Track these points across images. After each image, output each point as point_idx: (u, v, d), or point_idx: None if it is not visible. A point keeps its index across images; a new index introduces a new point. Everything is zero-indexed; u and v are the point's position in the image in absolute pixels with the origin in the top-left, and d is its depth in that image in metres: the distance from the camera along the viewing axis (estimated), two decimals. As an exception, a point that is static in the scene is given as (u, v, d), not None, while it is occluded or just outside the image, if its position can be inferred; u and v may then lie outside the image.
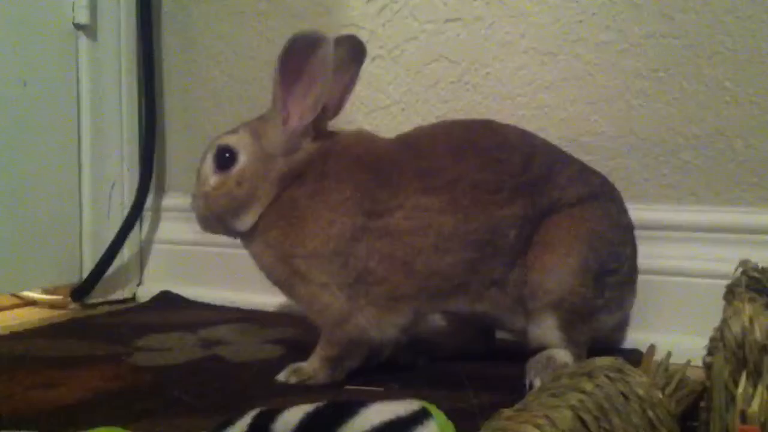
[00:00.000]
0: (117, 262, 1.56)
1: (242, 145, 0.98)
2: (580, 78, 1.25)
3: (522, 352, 1.01)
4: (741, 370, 0.61)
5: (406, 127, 1.10)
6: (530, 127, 1.11)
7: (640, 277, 1.09)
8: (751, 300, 0.65)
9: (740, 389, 0.59)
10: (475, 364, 1.06)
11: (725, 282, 0.77)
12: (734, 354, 0.61)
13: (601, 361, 0.69)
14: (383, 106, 1.42)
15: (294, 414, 0.62)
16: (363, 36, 1.20)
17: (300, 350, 1.03)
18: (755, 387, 0.59)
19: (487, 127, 1.05)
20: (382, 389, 0.94)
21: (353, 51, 1.03)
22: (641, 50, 1.20)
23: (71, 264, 1.51)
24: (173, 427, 0.79)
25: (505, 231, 0.98)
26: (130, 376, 1.00)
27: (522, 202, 0.98)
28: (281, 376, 0.97)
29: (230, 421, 0.63)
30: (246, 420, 0.63)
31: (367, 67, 1.10)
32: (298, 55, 0.92)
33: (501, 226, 0.98)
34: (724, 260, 1.06)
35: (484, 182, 0.98)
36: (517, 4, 1.29)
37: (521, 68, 1.30)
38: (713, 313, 0.72)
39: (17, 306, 1.57)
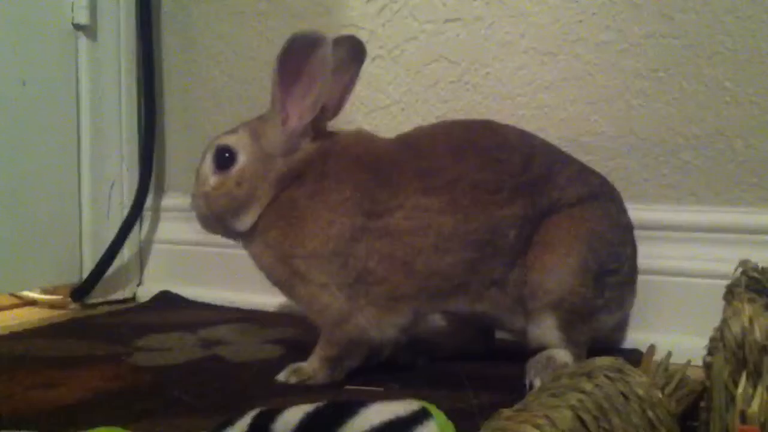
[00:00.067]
0: (117, 262, 1.56)
1: (241, 145, 0.98)
2: (580, 78, 1.25)
3: (522, 352, 1.01)
4: (741, 370, 0.61)
5: (406, 127, 1.10)
6: (530, 127, 1.11)
7: (640, 278, 1.09)
8: (751, 300, 0.65)
9: (740, 389, 0.59)
10: (475, 364, 1.06)
11: (725, 282, 0.77)
12: (734, 354, 0.61)
13: (600, 361, 0.69)
14: (383, 106, 1.42)
15: (294, 414, 0.62)
16: (363, 36, 1.21)
17: (300, 350, 1.03)
18: (755, 387, 0.59)
19: (486, 127, 1.06)
20: (381, 389, 0.94)
21: (353, 51, 1.03)
22: (641, 50, 1.20)
23: (71, 264, 1.51)
24: (173, 427, 0.79)
25: (505, 231, 0.98)
26: (130, 376, 1.00)
27: (522, 202, 0.98)
28: (281, 376, 0.97)
29: (230, 421, 0.63)
30: (246, 420, 0.63)
31: (367, 67, 1.09)
32: (297, 55, 0.92)
33: (501, 226, 0.98)
34: (724, 260, 1.06)
35: (484, 182, 0.98)
36: (517, 4, 1.29)
37: (521, 68, 1.30)
38: (713, 314, 0.72)
39: (17, 306, 1.57)
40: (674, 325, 1.15)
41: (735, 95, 1.15)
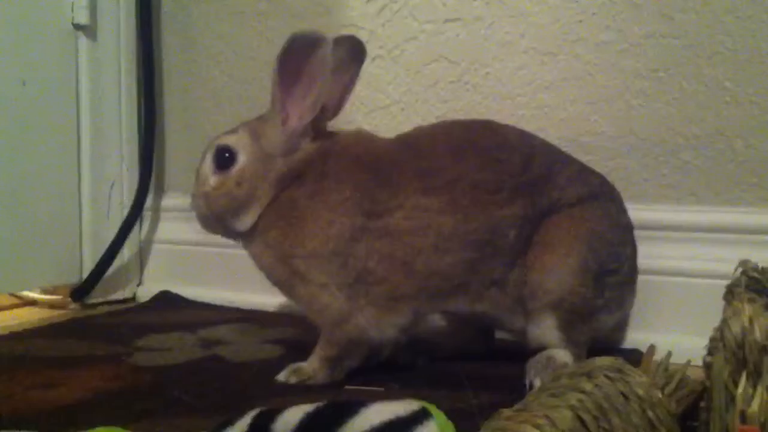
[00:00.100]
0: (117, 262, 1.56)
1: (241, 145, 0.98)
2: (580, 78, 1.25)
3: (522, 352, 1.01)
4: (741, 370, 0.61)
5: (406, 127, 1.09)
6: (530, 127, 1.11)
7: (640, 278, 1.09)
8: (751, 300, 0.65)
9: (740, 389, 0.59)
10: (475, 364, 1.06)
11: (725, 282, 0.77)
12: (734, 354, 0.61)
13: (600, 361, 0.69)
14: (383, 106, 1.42)
15: (294, 414, 0.62)
16: (363, 36, 1.21)
17: (300, 350, 1.03)
18: (755, 387, 0.59)
19: (486, 127, 1.06)
20: (381, 389, 0.94)
21: (353, 51, 1.03)
22: (641, 50, 1.20)
23: (71, 264, 1.51)
24: (173, 427, 0.79)
25: (504, 231, 0.98)
26: (130, 376, 1.00)
27: (522, 202, 0.98)
28: (281, 376, 0.97)
29: (230, 421, 0.63)
30: (246, 420, 0.63)
31: (367, 67, 1.09)
32: (297, 55, 0.92)
33: (501, 226, 0.98)
34: (724, 260, 1.06)
35: (484, 182, 0.98)
36: (517, 4, 1.29)
37: (521, 68, 1.30)
38: (713, 314, 0.72)
39: (17, 306, 1.57)
40: (674, 325, 1.15)
41: (735, 95, 1.15)
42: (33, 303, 1.59)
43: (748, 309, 0.63)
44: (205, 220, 1.02)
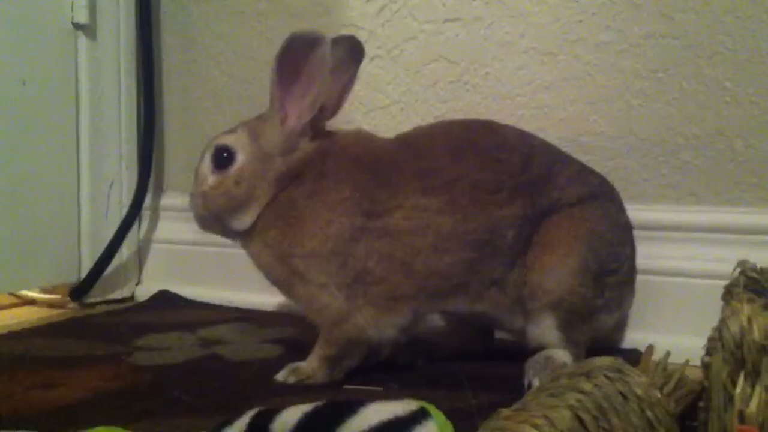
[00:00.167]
0: (116, 262, 1.56)
1: (240, 145, 0.98)
2: (580, 78, 1.25)
3: (521, 352, 1.01)
4: (739, 370, 0.61)
5: (405, 127, 1.10)
6: (530, 127, 1.11)
7: (640, 278, 1.09)
8: (750, 300, 0.65)
9: (738, 389, 0.59)
10: (474, 364, 1.06)
11: (724, 282, 0.77)
12: (732, 354, 0.61)
13: (600, 361, 0.69)
14: (382, 105, 1.42)
15: (292, 414, 0.62)
16: (362, 36, 1.21)
17: (299, 350, 1.03)
18: (753, 387, 0.59)
19: (486, 127, 1.06)
20: (380, 389, 0.94)
21: (352, 51, 1.03)
22: (641, 50, 1.20)
23: (70, 263, 1.51)
24: (173, 427, 0.79)
25: (504, 231, 0.98)
26: (130, 375, 1.00)
27: (521, 202, 0.98)
28: (280, 376, 0.97)
29: (229, 421, 0.64)
30: (245, 420, 0.63)
31: (366, 67, 1.10)
32: (296, 55, 0.92)
33: (500, 226, 0.97)
34: (724, 261, 1.06)
35: (484, 182, 0.98)
36: (516, 4, 1.29)
37: (521, 68, 1.30)
38: (712, 314, 0.72)
39: (16, 305, 1.57)
40: (673, 325, 1.15)
41: (735, 95, 1.15)
42: (32, 302, 1.58)
43: (746, 309, 0.63)
44: (202, 220, 1.02)
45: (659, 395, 0.65)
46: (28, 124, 1.40)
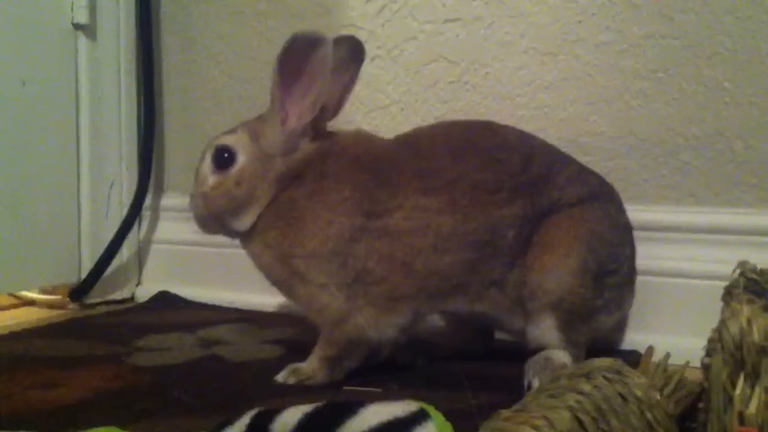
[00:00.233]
0: (116, 262, 1.56)
1: (241, 145, 0.98)
2: (580, 78, 1.25)
3: (521, 352, 1.01)
4: (739, 371, 0.61)
5: (406, 128, 1.10)
6: (529, 127, 1.11)
7: (639, 279, 1.09)
8: (749, 301, 0.65)
9: (738, 390, 0.59)
10: (474, 364, 1.06)
11: (724, 283, 0.77)
12: (732, 355, 0.61)
13: (599, 362, 0.69)
14: (382, 106, 1.42)
15: (292, 414, 0.62)
16: (362, 36, 1.21)
17: (299, 350, 1.03)
18: (753, 388, 0.59)
19: (486, 127, 1.06)
20: (380, 390, 0.94)
21: (352, 51, 1.03)
22: (640, 51, 1.20)
23: (70, 264, 1.51)
24: (173, 427, 0.79)
25: (504, 231, 0.98)
26: (130, 376, 1.00)
27: (521, 202, 0.98)
28: (280, 377, 0.97)
29: (229, 421, 0.64)
30: (245, 420, 0.63)
31: (367, 67, 1.09)
32: (297, 55, 0.92)
33: (500, 226, 0.98)
34: (723, 261, 1.06)
35: (484, 182, 0.98)
36: (516, 4, 1.29)
37: (521, 68, 1.30)
38: (712, 315, 0.72)
39: (15, 306, 1.57)
40: (673, 327, 1.15)
41: (734, 96, 1.15)
42: (32, 303, 1.58)
43: (746, 310, 0.63)
44: (202, 221, 1.02)
45: (659, 396, 0.65)
46: (28, 124, 1.40)
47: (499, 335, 1.13)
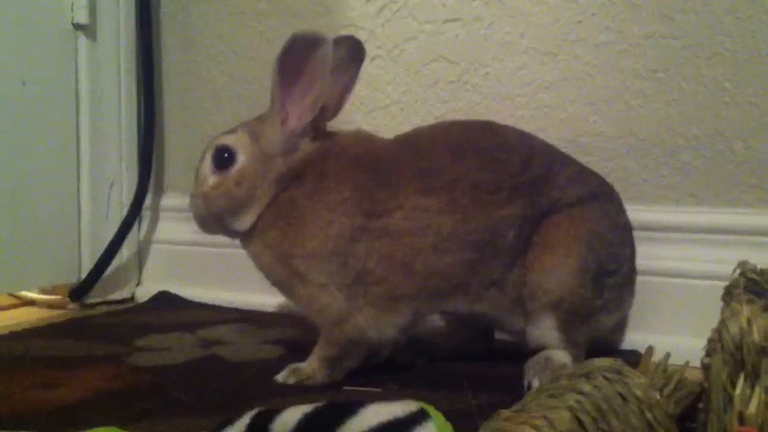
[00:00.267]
0: (116, 262, 1.56)
1: (241, 145, 0.98)
2: (580, 78, 1.25)
3: (521, 352, 1.01)
4: (739, 371, 0.61)
5: (406, 128, 1.10)
6: (529, 127, 1.11)
7: (639, 279, 1.09)
8: (749, 302, 0.65)
9: (738, 390, 0.59)
10: (474, 364, 1.06)
11: (724, 283, 0.77)
12: (732, 355, 0.61)
13: (599, 362, 0.69)
14: (382, 106, 1.42)
15: (292, 414, 0.62)
16: (362, 36, 1.21)
17: (299, 350, 1.03)
18: (753, 388, 0.59)
19: (486, 127, 1.06)
20: (380, 390, 0.94)
21: (352, 51, 1.03)
22: (640, 51, 1.20)
23: (70, 264, 1.51)
24: (173, 427, 0.79)
25: (504, 231, 0.98)
26: (130, 376, 1.00)
27: (521, 202, 0.98)
28: (280, 377, 0.97)
29: (229, 421, 0.64)
30: (245, 420, 0.63)
31: (367, 67, 1.09)
32: (297, 56, 0.92)
33: (500, 226, 0.98)
34: (723, 261, 1.06)
35: (484, 182, 0.98)
36: (516, 4, 1.29)
37: (521, 68, 1.30)
38: (712, 315, 0.72)
39: (15, 306, 1.57)
40: (673, 327, 1.15)
41: (734, 96, 1.15)
42: (32, 303, 1.58)
43: (746, 310, 0.63)
44: (202, 221, 1.02)
45: (659, 396, 0.65)
46: (27, 124, 1.40)
47: (499, 335, 1.13)
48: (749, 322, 0.61)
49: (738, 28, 1.14)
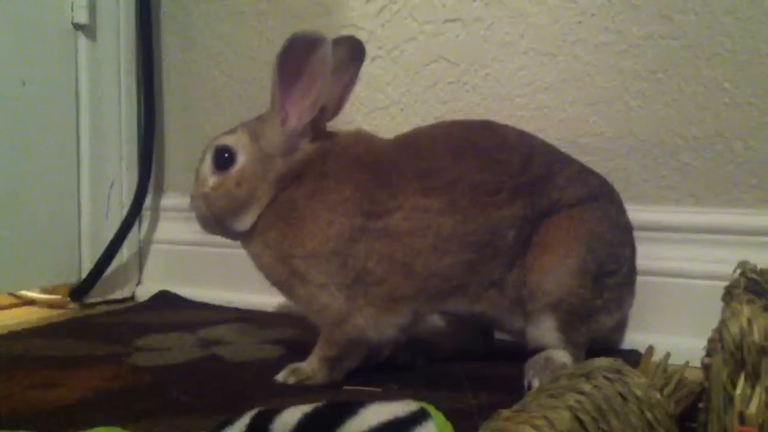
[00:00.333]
0: (116, 262, 1.56)
1: (241, 146, 0.98)
2: (579, 79, 1.25)
3: (521, 352, 1.01)
4: (739, 371, 0.61)
5: (405, 128, 1.10)
6: (529, 128, 1.11)
7: (639, 279, 1.09)
8: (750, 301, 0.65)
9: (738, 390, 0.60)
10: (474, 364, 1.06)
11: (724, 283, 0.77)
12: (732, 355, 0.61)
13: (599, 362, 0.69)
14: (382, 106, 1.42)
15: (292, 414, 0.62)
16: (362, 36, 1.21)
17: (299, 350, 1.03)
18: (753, 388, 0.60)
19: (486, 127, 1.06)
20: (380, 389, 0.94)
21: (352, 51, 1.03)
22: (640, 51, 1.20)
23: (70, 263, 1.51)
24: (172, 427, 0.79)
25: (504, 232, 0.98)
26: (130, 376, 1.00)
27: (521, 202, 0.98)
28: (280, 377, 0.97)
29: (229, 421, 0.64)
30: (244, 420, 0.63)
31: (366, 68, 1.10)
32: (297, 56, 0.92)
33: (500, 226, 0.98)
34: (723, 262, 1.06)
35: (484, 183, 0.98)
36: (516, 5, 1.29)
37: (520, 69, 1.30)
38: (712, 315, 0.72)
39: (15, 305, 1.57)
40: (673, 327, 1.15)
41: (734, 97, 1.15)
42: (32, 302, 1.58)
43: (746, 310, 0.63)
44: (204, 221, 1.02)
45: (659, 396, 0.65)
46: (28, 124, 1.40)
47: (499, 335, 1.13)
48: (750, 322, 0.62)
49: (738, 28, 1.14)
